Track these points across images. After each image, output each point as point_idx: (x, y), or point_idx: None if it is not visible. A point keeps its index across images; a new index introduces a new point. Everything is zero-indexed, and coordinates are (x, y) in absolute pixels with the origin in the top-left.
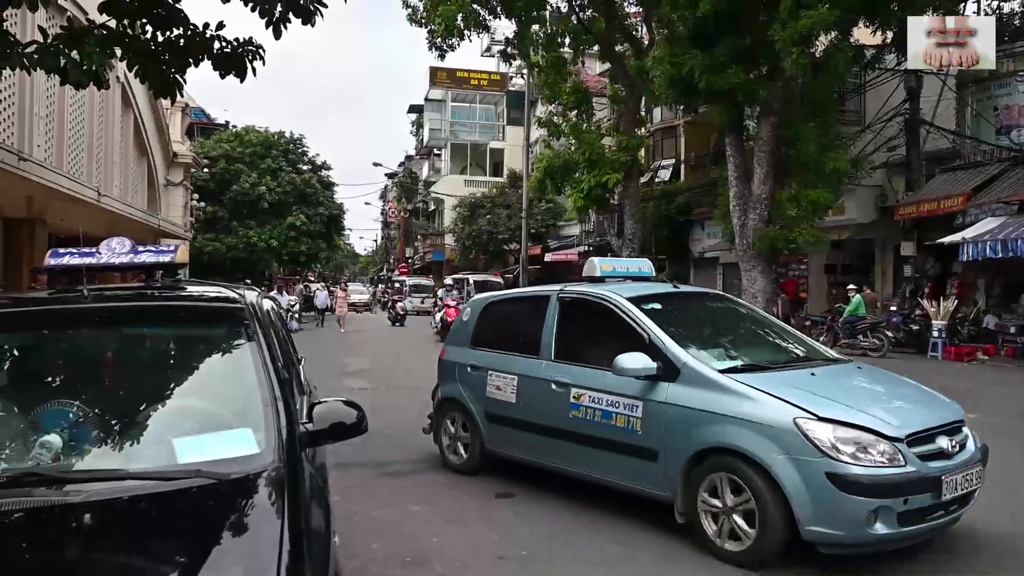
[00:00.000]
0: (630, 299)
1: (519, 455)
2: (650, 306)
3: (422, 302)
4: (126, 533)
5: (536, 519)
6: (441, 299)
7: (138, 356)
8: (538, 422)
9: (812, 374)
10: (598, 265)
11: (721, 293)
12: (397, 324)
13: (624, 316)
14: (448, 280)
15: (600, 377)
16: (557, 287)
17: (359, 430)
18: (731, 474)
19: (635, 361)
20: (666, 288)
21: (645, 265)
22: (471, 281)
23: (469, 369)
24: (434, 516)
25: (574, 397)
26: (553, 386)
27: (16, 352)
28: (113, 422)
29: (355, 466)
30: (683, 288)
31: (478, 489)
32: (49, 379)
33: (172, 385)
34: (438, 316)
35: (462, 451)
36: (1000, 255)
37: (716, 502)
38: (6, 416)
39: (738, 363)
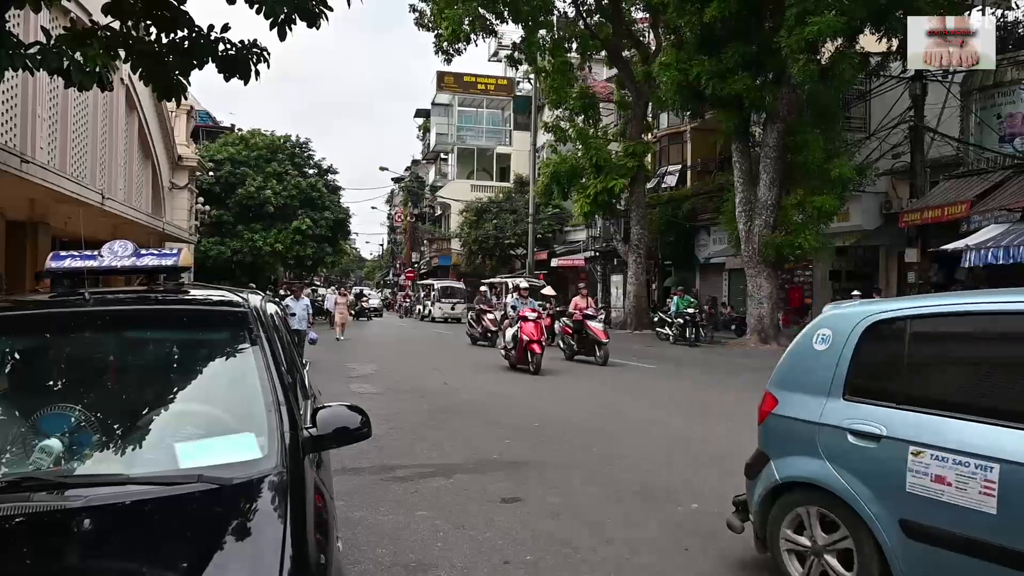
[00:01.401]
0: None
1: None
2: None
3: (452, 308)
4: (127, 538)
5: (542, 524)
6: (515, 309)
7: (140, 360)
8: None
9: None
10: None
11: None
12: (483, 343)
13: None
14: (522, 283)
15: None
16: None
17: (363, 435)
18: None
19: None
20: None
21: None
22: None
23: (851, 437)
24: (440, 521)
25: None
26: None
27: (16, 355)
28: (114, 426)
29: (361, 470)
30: None
31: (484, 494)
32: (50, 383)
33: (174, 389)
34: (509, 333)
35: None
36: (1002, 261)
37: None
38: (6, 420)
39: None
